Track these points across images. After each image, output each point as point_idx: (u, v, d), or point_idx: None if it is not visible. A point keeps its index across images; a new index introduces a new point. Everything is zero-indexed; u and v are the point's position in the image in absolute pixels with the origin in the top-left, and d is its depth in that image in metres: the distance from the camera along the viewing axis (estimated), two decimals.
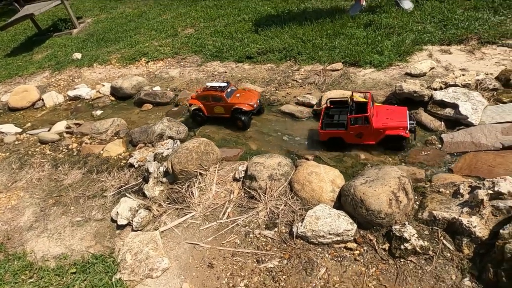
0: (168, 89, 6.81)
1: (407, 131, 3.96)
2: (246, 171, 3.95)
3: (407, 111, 4.17)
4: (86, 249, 3.72)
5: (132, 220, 3.83)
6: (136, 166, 4.78)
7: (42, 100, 7.55)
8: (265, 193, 3.66)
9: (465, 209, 2.74)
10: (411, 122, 4.10)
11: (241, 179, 3.97)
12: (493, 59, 5.26)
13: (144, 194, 4.22)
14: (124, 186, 4.54)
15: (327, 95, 5.15)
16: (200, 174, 4.11)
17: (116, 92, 7.02)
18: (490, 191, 2.68)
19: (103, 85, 7.36)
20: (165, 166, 4.28)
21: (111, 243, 3.74)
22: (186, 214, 3.75)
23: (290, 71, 6.43)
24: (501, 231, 2.45)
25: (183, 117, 5.96)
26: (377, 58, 5.90)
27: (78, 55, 9.32)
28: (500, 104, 4.35)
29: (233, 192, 3.90)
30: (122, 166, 4.95)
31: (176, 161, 4.08)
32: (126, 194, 4.33)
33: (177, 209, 3.87)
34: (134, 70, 8.02)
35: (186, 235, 3.54)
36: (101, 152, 5.35)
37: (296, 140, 4.77)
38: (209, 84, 5.28)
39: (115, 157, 5.20)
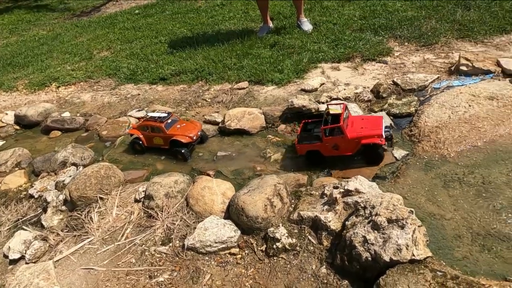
0: (78, 115, 6.69)
1: (382, 139, 3.92)
2: (146, 191, 4.09)
3: (383, 119, 4.18)
4: None
5: (25, 253, 3.73)
6: (36, 196, 4.64)
7: None
8: (162, 211, 3.83)
9: (325, 207, 3.19)
10: (387, 130, 4.10)
11: (141, 200, 4.10)
12: (371, 74, 6.10)
13: (42, 224, 4.12)
14: (21, 218, 4.37)
15: (229, 113, 5.52)
16: (101, 198, 4.15)
17: (21, 121, 6.71)
18: (342, 190, 3.17)
19: (7, 114, 6.97)
20: (64, 194, 4.24)
21: (1, 280, 3.60)
22: (83, 240, 3.76)
23: (201, 91, 6.73)
24: (346, 222, 2.92)
25: (93, 142, 5.92)
26: (278, 76, 6.47)
27: None
28: (372, 113, 5.08)
29: (133, 213, 4.00)
30: (21, 198, 4.76)
31: (73, 188, 4.08)
32: (23, 226, 4.18)
33: (75, 236, 3.86)
34: (43, 96, 7.71)
35: (82, 261, 3.56)
36: None
37: (201, 157, 5.03)
38: (150, 114, 5.24)
39: (14, 190, 4.98)
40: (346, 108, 4.19)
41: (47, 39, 11.42)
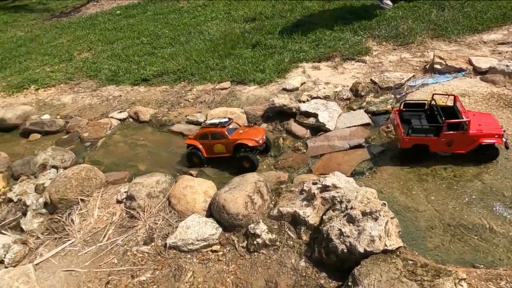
0: (58, 117, 6.60)
1: (502, 140, 3.56)
2: (127, 192, 4.09)
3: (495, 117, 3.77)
4: None
5: (4, 257, 3.68)
6: (15, 200, 4.57)
7: None
8: (144, 211, 3.84)
9: (304, 203, 3.28)
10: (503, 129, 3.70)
11: (123, 200, 4.09)
12: (351, 73, 6.24)
13: (22, 228, 4.07)
14: (0, 223, 4.30)
15: (211, 112, 5.56)
16: (82, 200, 4.13)
17: None
18: (320, 185, 3.26)
19: None
20: (44, 196, 4.20)
21: None
22: (64, 243, 3.74)
23: (183, 91, 6.74)
24: (323, 216, 3.01)
25: (74, 144, 5.86)
26: (260, 76, 6.54)
27: None
28: (351, 111, 5.21)
29: (115, 214, 4.00)
30: (0, 203, 4.67)
31: (53, 191, 4.05)
32: (2, 231, 4.12)
33: (56, 238, 3.83)
34: (22, 99, 7.56)
35: (63, 263, 3.54)
36: None
37: (184, 157, 5.04)
38: (208, 121, 4.75)
39: None
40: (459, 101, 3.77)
41: (25, 41, 11.17)
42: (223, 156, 4.56)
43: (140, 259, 3.41)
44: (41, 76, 8.19)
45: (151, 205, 3.86)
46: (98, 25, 11.28)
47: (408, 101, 4.11)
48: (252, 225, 3.27)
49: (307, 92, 5.69)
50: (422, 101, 4.01)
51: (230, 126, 4.58)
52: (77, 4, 14.58)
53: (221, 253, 3.26)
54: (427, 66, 5.66)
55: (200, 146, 4.58)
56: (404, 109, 4.07)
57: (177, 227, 3.57)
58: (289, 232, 3.21)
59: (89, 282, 3.29)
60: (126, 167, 5.04)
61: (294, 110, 5.25)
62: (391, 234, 2.59)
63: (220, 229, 3.41)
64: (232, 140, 4.40)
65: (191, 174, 4.58)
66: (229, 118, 4.73)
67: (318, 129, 5.00)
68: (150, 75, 7.36)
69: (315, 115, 5.07)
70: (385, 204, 2.74)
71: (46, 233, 3.94)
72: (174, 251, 3.38)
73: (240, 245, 3.27)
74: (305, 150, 4.77)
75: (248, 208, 3.34)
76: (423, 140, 3.68)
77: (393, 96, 5.20)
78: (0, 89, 7.99)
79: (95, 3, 14.02)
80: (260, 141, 4.40)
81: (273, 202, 3.58)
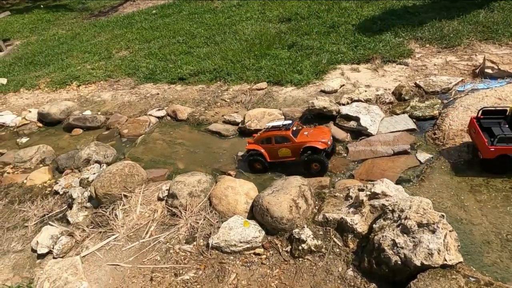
0: (99, 113, 6.80)
1: None
2: (169, 190, 4.14)
3: None
4: (3, 282, 3.63)
5: (53, 248, 3.82)
6: (61, 193, 4.74)
7: None
8: (185, 210, 3.87)
9: (351, 209, 3.18)
10: None
11: (165, 198, 4.15)
12: (392, 75, 6.04)
13: (68, 220, 4.21)
14: (47, 214, 4.48)
15: (249, 113, 5.55)
16: (125, 196, 4.22)
17: (44, 118, 6.86)
18: (368, 192, 3.15)
19: (30, 111, 7.13)
20: (89, 191, 4.33)
21: (30, 273, 3.69)
22: (109, 237, 3.83)
23: (219, 91, 6.77)
24: (373, 225, 2.91)
25: (114, 140, 6.02)
26: (297, 77, 6.46)
27: (3, 81, 8.90)
28: (394, 116, 5.03)
29: (157, 211, 4.06)
30: (46, 194, 4.86)
31: (99, 185, 4.15)
32: (49, 222, 4.28)
33: (100, 232, 3.93)
34: (64, 95, 7.87)
35: (108, 257, 3.62)
36: (25, 181, 5.21)
37: (221, 157, 5.06)
38: (270, 124, 4.50)
39: (39, 185, 5.10)
40: None
41: (66, 38, 11.63)
42: (288, 160, 4.32)
43: (182, 257, 3.43)
44: (82, 73, 8.49)
45: (192, 204, 3.89)
46: (135, 24, 11.56)
47: (487, 108, 3.86)
48: (296, 230, 3.21)
49: (347, 95, 5.55)
50: (503, 108, 3.78)
51: (294, 128, 4.35)
52: (115, 3, 15.03)
53: (264, 256, 3.22)
54: (477, 70, 5.39)
55: (263, 151, 4.31)
56: (482, 117, 3.84)
57: (218, 227, 3.57)
58: (335, 239, 3.13)
59: (133, 277, 3.35)
60: (165, 165, 5.12)
61: (334, 113, 5.14)
62: (451, 248, 2.45)
63: (263, 232, 3.37)
64: (300, 143, 4.15)
65: (229, 174, 4.57)
66: (292, 120, 4.57)
67: (359, 133, 4.86)
68: (186, 74, 7.45)
69: (356, 119, 4.93)
70: (443, 216, 2.60)
71: (91, 227, 4.05)
72: (217, 251, 3.38)
73: (284, 249, 3.22)
74: (345, 154, 4.65)
75: (293, 212, 3.28)
76: (511, 150, 3.45)
77: (439, 101, 4.98)
78: (45, 85, 8.34)
79: (131, 3, 14.40)
80: (329, 142, 4.19)
81: (316, 207, 3.51)
